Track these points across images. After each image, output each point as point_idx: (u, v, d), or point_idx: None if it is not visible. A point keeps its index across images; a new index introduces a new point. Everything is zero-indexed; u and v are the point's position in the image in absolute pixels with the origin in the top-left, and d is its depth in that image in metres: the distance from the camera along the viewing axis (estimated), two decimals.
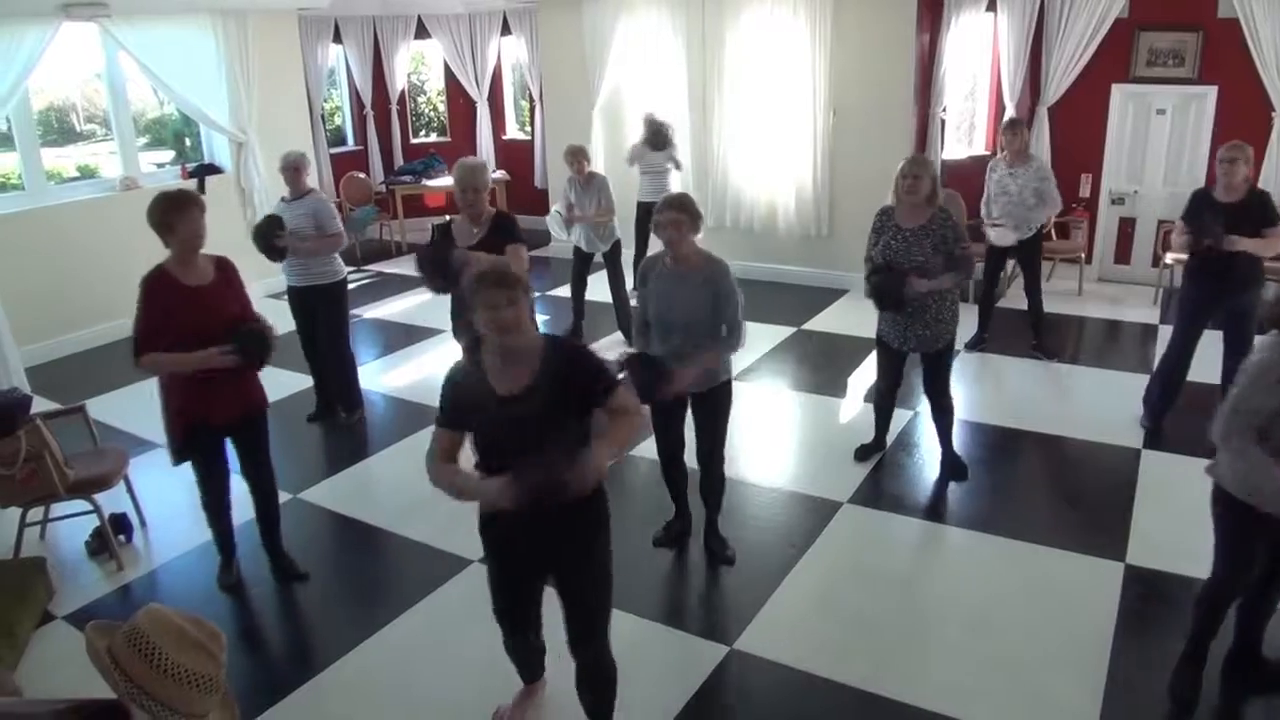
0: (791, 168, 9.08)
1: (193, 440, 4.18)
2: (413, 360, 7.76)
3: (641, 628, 4.12)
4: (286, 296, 6.43)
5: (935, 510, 5.10)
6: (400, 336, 8.37)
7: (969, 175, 9.32)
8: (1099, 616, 4.00)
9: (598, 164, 10.16)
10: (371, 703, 3.72)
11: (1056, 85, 9.01)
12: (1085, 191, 9.25)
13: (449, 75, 12.32)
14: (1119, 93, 8.95)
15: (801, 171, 9.11)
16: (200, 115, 8.77)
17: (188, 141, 9.69)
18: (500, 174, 12.07)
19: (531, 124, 12.14)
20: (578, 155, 7.76)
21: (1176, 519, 4.60)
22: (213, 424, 4.16)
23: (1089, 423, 6.02)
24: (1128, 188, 9.16)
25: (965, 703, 3.58)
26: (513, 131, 12.67)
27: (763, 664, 3.86)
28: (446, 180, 11.81)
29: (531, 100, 12.00)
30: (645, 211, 8.17)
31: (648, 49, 9.68)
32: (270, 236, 5.92)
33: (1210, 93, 8.63)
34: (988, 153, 9.45)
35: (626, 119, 10.04)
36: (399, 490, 5.36)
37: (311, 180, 6.38)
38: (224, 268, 4.19)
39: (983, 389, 6.88)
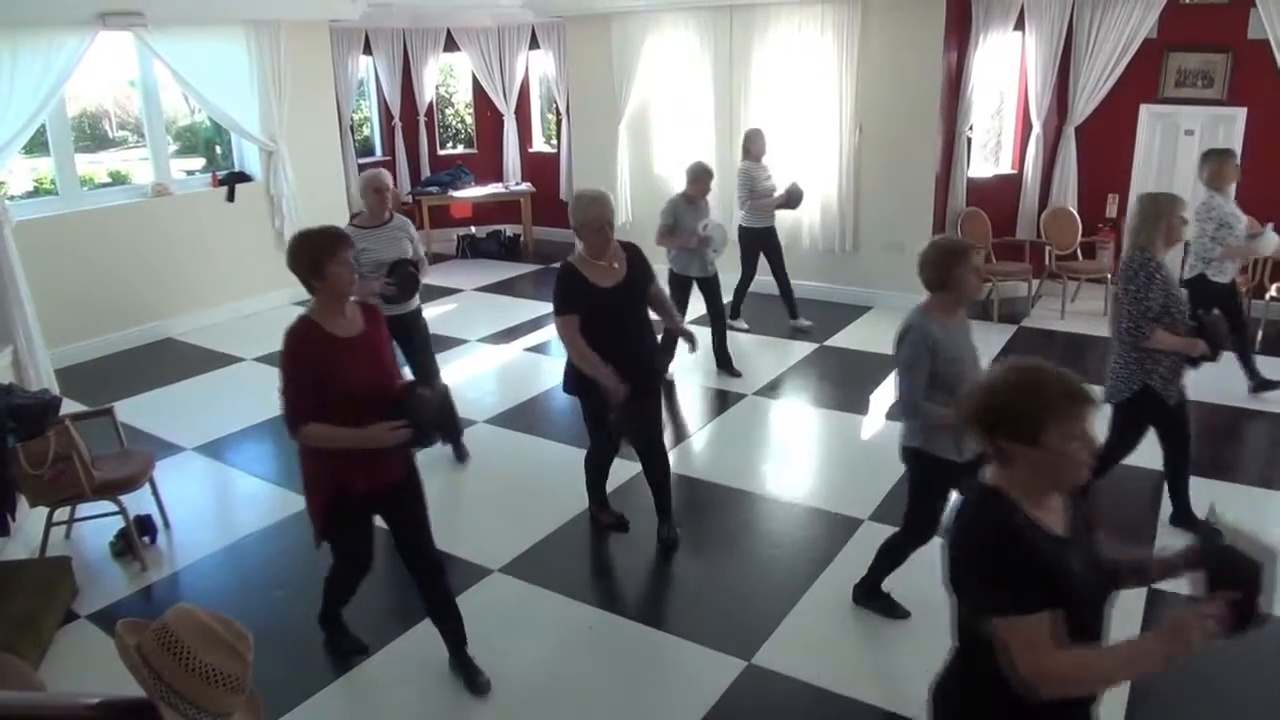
0: (817, 184, 9.07)
1: (337, 514, 3.60)
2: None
3: (658, 640, 4.13)
4: None
5: None
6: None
7: (994, 193, 9.31)
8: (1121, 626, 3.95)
9: (623, 179, 10.23)
10: (394, 704, 3.74)
11: (1084, 105, 8.98)
12: (1112, 212, 9.19)
13: (477, 88, 12.41)
14: (1147, 113, 8.91)
15: (827, 188, 9.10)
16: (231, 123, 8.87)
17: (218, 149, 9.81)
18: (526, 186, 12.14)
19: (558, 137, 12.21)
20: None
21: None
22: (358, 492, 3.53)
23: None
24: None
25: None
26: (539, 144, 12.74)
27: (780, 680, 3.85)
28: (473, 191, 11.92)
29: (558, 114, 12.07)
30: (751, 237, 8.22)
31: (675, 65, 9.71)
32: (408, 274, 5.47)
33: (1240, 114, 8.57)
34: (1014, 171, 9.44)
35: (653, 134, 10.08)
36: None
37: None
38: (373, 316, 3.63)
39: None
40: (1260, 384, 6.74)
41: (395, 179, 11.79)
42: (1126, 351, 4.53)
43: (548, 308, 9.42)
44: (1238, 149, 8.59)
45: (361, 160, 11.50)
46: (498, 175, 12.47)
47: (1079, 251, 9.12)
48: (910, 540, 4.08)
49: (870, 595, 4.27)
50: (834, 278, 9.36)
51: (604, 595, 4.51)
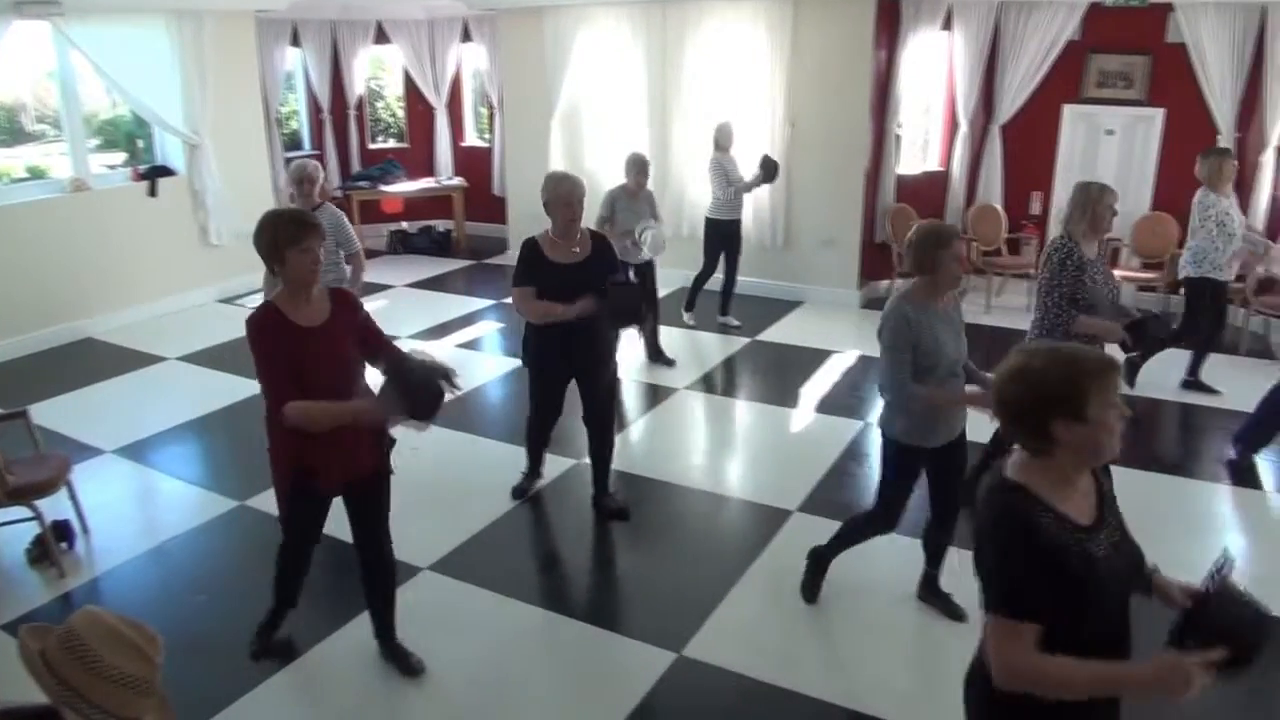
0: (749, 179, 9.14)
1: (298, 499, 3.58)
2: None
3: (588, 634, 4.13)
4: None
5: None
6: None
7: (923, 190, 9.47)
8: None
9: (557, 169, 10.17)
10: (316, 711, 3.69)
11: (1009, 104, 9.17)
12: (1036, 209, 9.40)
13: (408, 81, 12.28)
14: (1070, 113, 9.12)
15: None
16: (153, 117, 8.66)
17: (140, 143, 9.56)
18: (458, 181, 12.05)
19: (491, 131, 12.13)
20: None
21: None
22: (328, 483, 3.52)
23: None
24: None
25: (912, 708, 3.63)
26: (471, 139, 12.64)
27: (711, 671, 3.87)
28: (404, 186, 11.79)
29: (491, 108, 12.00)
30: (717, 230, 8.22)
31: (608, 59, 9.70)
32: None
33: (1158, 115, 8.82)
34: (941, 169, 9.61)
35: (585, 129, 10.06)
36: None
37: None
38: (343, 304, 3.51)
39: None
40: (1192, 383, 6.91)
41: (325, 173, 11.68)
42: (1043, 334, 4.62)
43: (481, 303, 9.43)
44: (1155, 148, 8.87)
45: (289, 154, 11.29)
46: (429, 170, 12.35)
47: (1004, 247, 9.32)
48: (872, 523, 4.14)
49: (815, 564, 4.33)
50: (766, 273, 9.43)
51: (534, 590, 4.50)
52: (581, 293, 4.56)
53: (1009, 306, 9.00)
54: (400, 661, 3.83)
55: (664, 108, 9.50)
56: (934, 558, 4.28)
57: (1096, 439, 1.98)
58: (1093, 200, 4.52)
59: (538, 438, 5.25)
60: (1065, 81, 8.98)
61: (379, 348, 3.57)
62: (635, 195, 7.07)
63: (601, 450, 5.08)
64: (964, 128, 9.31)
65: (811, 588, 4.32)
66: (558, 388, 4.97)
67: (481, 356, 7.81)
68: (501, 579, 4.52)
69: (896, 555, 4.78)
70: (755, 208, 9.15)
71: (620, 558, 4.82)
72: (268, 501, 5.24)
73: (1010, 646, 1.96)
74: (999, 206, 9.36)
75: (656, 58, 9.40)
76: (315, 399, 3.24)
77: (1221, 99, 8.40)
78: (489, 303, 9.37)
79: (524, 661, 3.95)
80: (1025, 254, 9.28)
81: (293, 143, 11.89)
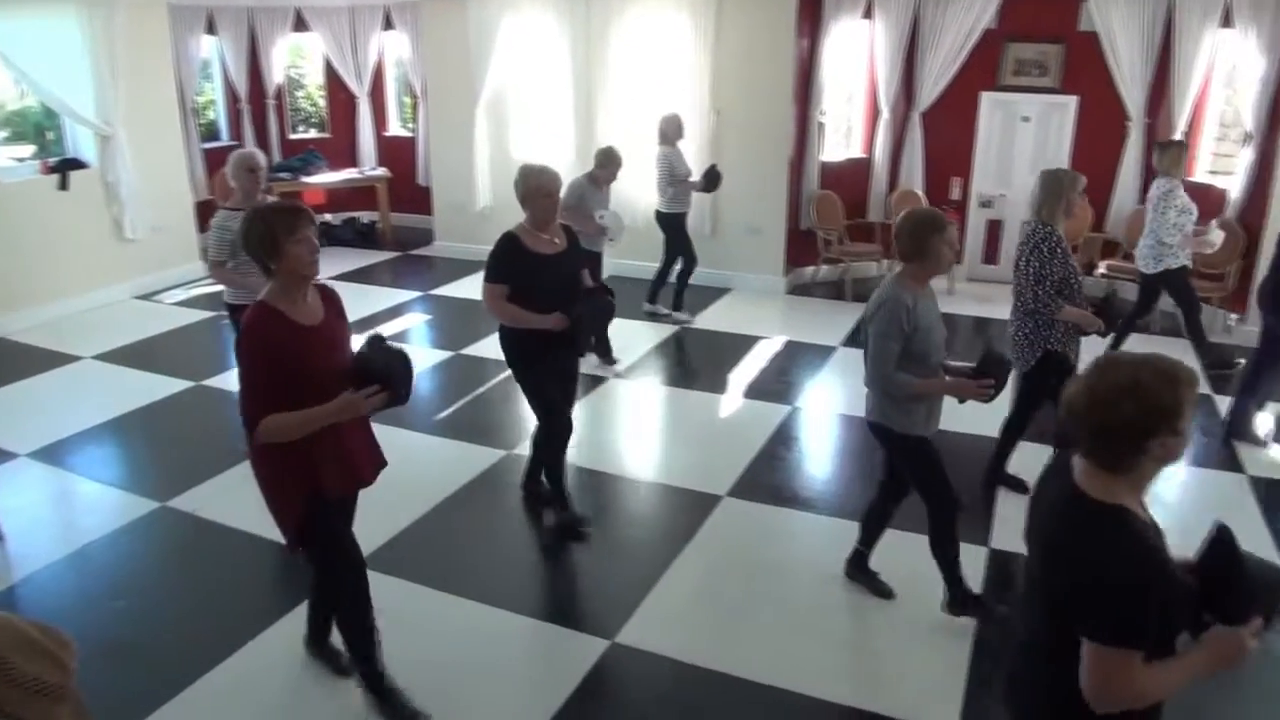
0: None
1: (316, 520, 3.26)
2: None
3: (520, 624, 4.13)
4: (235, 313, 5.19)
5: (811, 501, 5.24)
6: None
7: (846, 176, 9.59)
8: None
9: (481, 163, 10.12)
10: (246, 712, 3.64)
11: (929, 91, 9.33)
12: (956, 194, 9.59)
13: (329, 70, 12.06)
14: (987, 100, 9.32)
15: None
16: (63, 107, 8.39)
17: (49, 135, 9.26)
18: (382, 171, 11.88)
19: (414, 121, 11.98)
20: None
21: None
22: (332, 497, 3.28)
23: (959, 415, 6.23)
24: (995, 191, 9.54)
25: (839, 684, 3.70)
26: (395, 128, 12.47)
27: (644, 656, 3.90)
28: (327, 177, 11.59)
29: (414, 96, 11.85)
30: (670, 223, 8.18)
31: (532, 47, 9.65)
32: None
33: (1071, 102, 9.05)
34: (864, 155, 9.74)
35: (511, 117, 10.00)
36: None
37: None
38: (331, 302, 3.30)
39: (859, 384, 7.05)
40: (1213, 361, 7.10)
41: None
42: (1026, 321, 4.73)
43: (407, 295, 9.33)
44: (1069, 135, 9.09)
45: (206, 145, 11.05)
46: (352, 160, 12.16)
47: None
48: (944, 516, 3.96)
49: (969, 603, 4.06)
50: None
51: (464, 583, 4.47)
52: (566, 283, 4.52)
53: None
54: (332, 661, 3.77)
55: (589, 96, 9.48)
56: (870, 538, 4.33)
57: (1179, 449, 1.95)
58: (1066, 188, 4.63)
59: (556, 452, 4.88)
60: (983, 69, 9.17)
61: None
62: (601, 187, 7.07)
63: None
64: (886, 115, 9.45)
65: (979, 609, 4.08)
66: (557, 385, 4.77)
67: (410, 349, 7.72)
68: (431, 573, 4.49)
69: (821, 535, 4.87)
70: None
71: (550, 548, 4.82)
72: (190, 501, 5.16)
73: (1123, 675, 1.90)
74: (920, 192, 9.53)
75: (581, 46, 9.37)
76: (312, 405, 3.01)
77: (1132, 86, 8.65)
78: (416, 294, 9.28)
79: (455, 654, 3.93)
80: None
81: (210, 133, 11.60)
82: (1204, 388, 6.77)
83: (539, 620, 4.17)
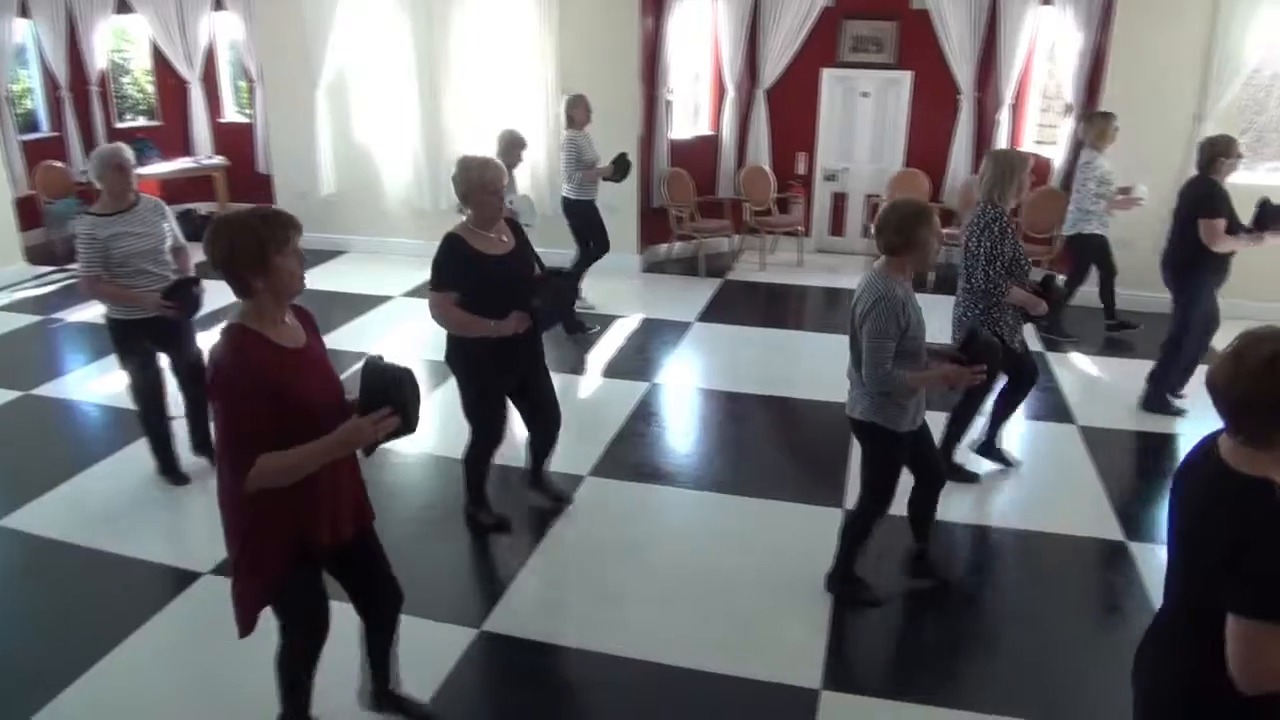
0: (526, 149, 9.09)
1: (295, 580, 2.89)
2: None
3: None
4: (118, 330, 4.94)
5: (671, 476, 5.30)
6: (107, 341, 7.70)
7: (695, 154, 9.70)
8: (822, 561, 4.27)
9: (324, 149, 9.80)
10: None
11: (772, 69, 9.52)
12: (802, 169, 9.84)
13: (157, 54, 11.44)
14: (828, 76, 9.57)
15: (536, 153, 9.11)
16: None
17: None
18: (219, 160, 11.37)
19: (251, 106, 11.50)
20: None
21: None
22: (325, 543, 2.89)
23: (811, 383, 6.43)
24: (839, 165, 9.82)
25: (709, 654, 3.77)
26: (231, 114, 11.95)
27: (512, 643, 3.89)
28: (159, 167, 11.01)
29: (250, 80, 11.37)
30: (579, 210, 7.98)
31: (372, 28, 9.37)
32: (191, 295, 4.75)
33: (906, 77, 9.39)
34: (712, 133, 9.87)
35: (353, 101, 9.71)
36: (114, 506, 4.96)
37: None
38: (309, 323, 2.90)
39: (715, 358, 7.19)
40: (1114, 325, 7.49)
41: (67, 156, 10.76)
42: (975, 303, 4.74)
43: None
44: (905, 109, 9.43)
45: (25, 137, 10.34)
46: (186, 149, 11.59)
47: (774, 207, 9.70)
48: (874, 513, 4.01)
49: (846, 580, 4.15)
50: (550, 242, 9.38)
51: (329, 584, 4.35)
52: (518, 284, 4.23)
53: (782, 263, 9.39)
54: (408, 712, 3.41)
55: (434, 79, 9.29)
56: (923, 532, 4.25)
57: None
58: (1016, 169, 4.68)
59: (484, 470, 4.71)
60: (823, 47, 9.41)
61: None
62: (507, 171, 6.89)
63: (547, 446, 4.84)
64: (731, 92, 9.60)
65: (867, 598, 4.14)
66: (503, 404, 4.55)
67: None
68: None
69: (684, 508, 4.94)
70: (534, 176, 9.10)
71: (409, 541, 4.72)
72: (24, 519, 4.83)
73: (1270, 651, 1.84)
74: (767, 168, 9.73)
75: (424, 27, 9.16)
76: (316, 434, 2.59)
77: (962, 61, 9.03)
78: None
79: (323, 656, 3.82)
80: (794, 213, 9.70)
81: (28, 124, 10.85)
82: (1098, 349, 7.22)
83: (404, 615, 4.09)
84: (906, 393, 3.72)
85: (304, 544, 2.82)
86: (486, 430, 4.56)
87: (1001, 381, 4.93)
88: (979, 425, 5.26)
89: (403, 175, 9.62)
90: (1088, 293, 7.43)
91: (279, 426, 2.56)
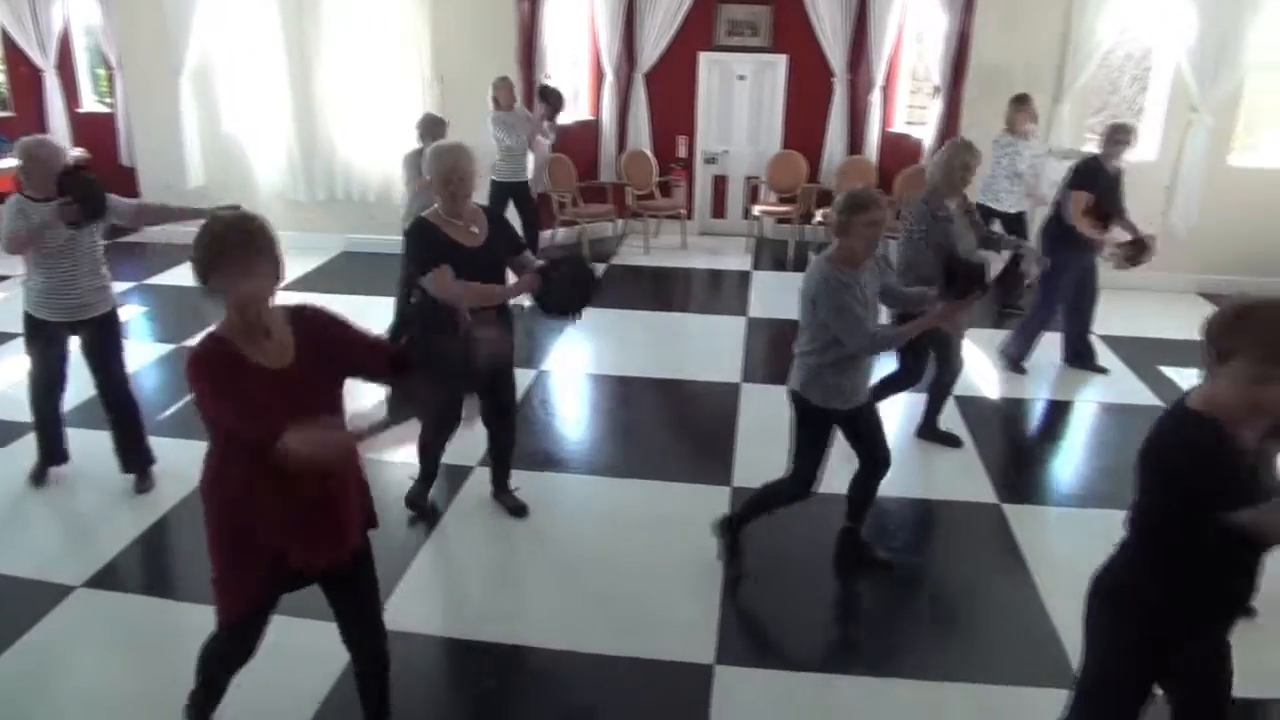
0: (402, 137, 8.92)
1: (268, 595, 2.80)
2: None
3: (274, 623, 3.95)
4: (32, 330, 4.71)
5: (562, 462, 5.32)
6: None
7: (577, 139, 9.68)
8: (713, 540, 4.34)
9: (190, 139, 9.44)
10: None
11: (650, 53, 9.57)
12: (683, 152, 9.93)
13: (7, 40, 10.83)
14: (705, 60, 9.68)
15: (413, 141, 8.97)
16: None
17: None
18: (79, 152, 10.84)
19: (112, 95, 11.00)
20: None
21: (769, 441, 5.08)
22: (304, 570, 2.73)
23: (697, 364, 6.52)
24: (719, 148, 9.94)
25: (600, 638, 3.80)
26: (90, 104, 11.41)
27: (404, 637, 3.81)
28: (14, 160, 10.43)
29: (109, 68, 10.86)
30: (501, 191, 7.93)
31: (238, 12, 9.05)
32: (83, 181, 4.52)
33: (781, 60, 9.56)
34: (592, 117, 9.86)
35: (219, 88, 9.38)
36: None
37: None
38: (309, 335, 2.59)
39: (603, 343, 7.22)
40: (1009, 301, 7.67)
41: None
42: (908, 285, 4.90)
43: (119, 286, 8.53)
44: (781, 92, 9.59)
45: None
46: None
47: (656, 191, 9.76)
48: (787, 492, 4.06)
49: (729, 532, 4.22)
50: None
51: (203, 591, 4.23)
52: (489, 279, 4.09)
53: (665, 246, 9.46)
54: None
55: (305, 66, 9.03)
56: (855, 513, 4.28)
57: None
58: (949, 157, 4.84)
59: (439, 449, 4.66)
60: (699, 30, 9.51)
61: (378, 357, 2.71)
62: None
63: (506, 444, 4.72)
64: (610, 77, 9.62)
65: (734, 562, 4.22)
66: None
67: (127, 344, 7.14)
68: (164, 582, 4.24)
69: (576, 494, 4.97)
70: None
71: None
72: None
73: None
74: (648, 152, 9.79)
75: (292, 13, 8.89)
76: (279, 471, 2.34)
77: (835, 45, 9.24)
78: (129, 285, 8.56)
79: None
80: (676, 196, 9.78)
81: None
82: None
83: (291, 617, 3.98)
84: (903, 342, 4.03)
85: (274, 564, 2.65)
86: (440, 414, 4.46)
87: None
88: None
89: (275, 167, 9.34)
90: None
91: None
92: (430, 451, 4.65)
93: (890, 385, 5.24)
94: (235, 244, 2.41)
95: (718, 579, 4.17)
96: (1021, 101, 7.29)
